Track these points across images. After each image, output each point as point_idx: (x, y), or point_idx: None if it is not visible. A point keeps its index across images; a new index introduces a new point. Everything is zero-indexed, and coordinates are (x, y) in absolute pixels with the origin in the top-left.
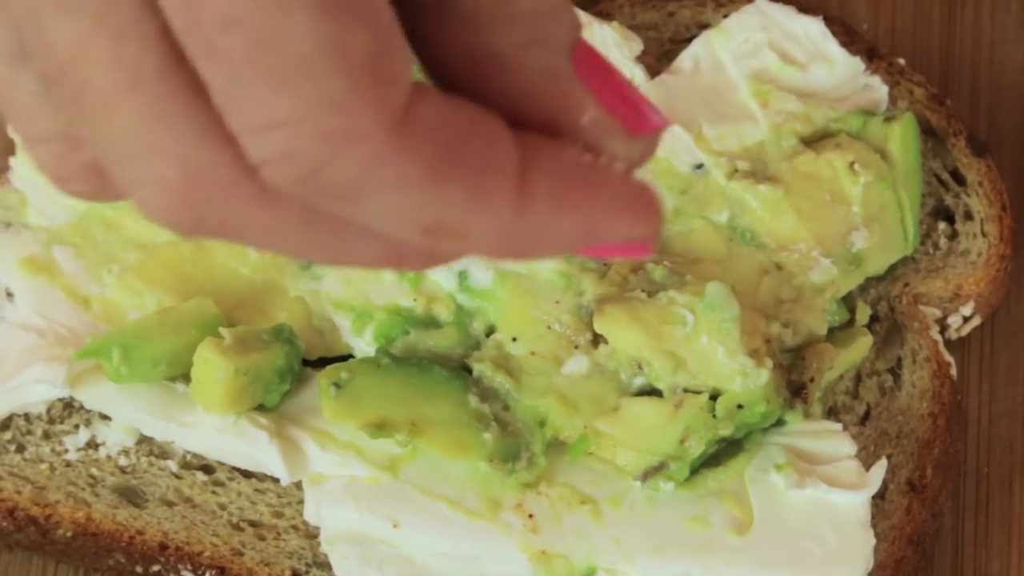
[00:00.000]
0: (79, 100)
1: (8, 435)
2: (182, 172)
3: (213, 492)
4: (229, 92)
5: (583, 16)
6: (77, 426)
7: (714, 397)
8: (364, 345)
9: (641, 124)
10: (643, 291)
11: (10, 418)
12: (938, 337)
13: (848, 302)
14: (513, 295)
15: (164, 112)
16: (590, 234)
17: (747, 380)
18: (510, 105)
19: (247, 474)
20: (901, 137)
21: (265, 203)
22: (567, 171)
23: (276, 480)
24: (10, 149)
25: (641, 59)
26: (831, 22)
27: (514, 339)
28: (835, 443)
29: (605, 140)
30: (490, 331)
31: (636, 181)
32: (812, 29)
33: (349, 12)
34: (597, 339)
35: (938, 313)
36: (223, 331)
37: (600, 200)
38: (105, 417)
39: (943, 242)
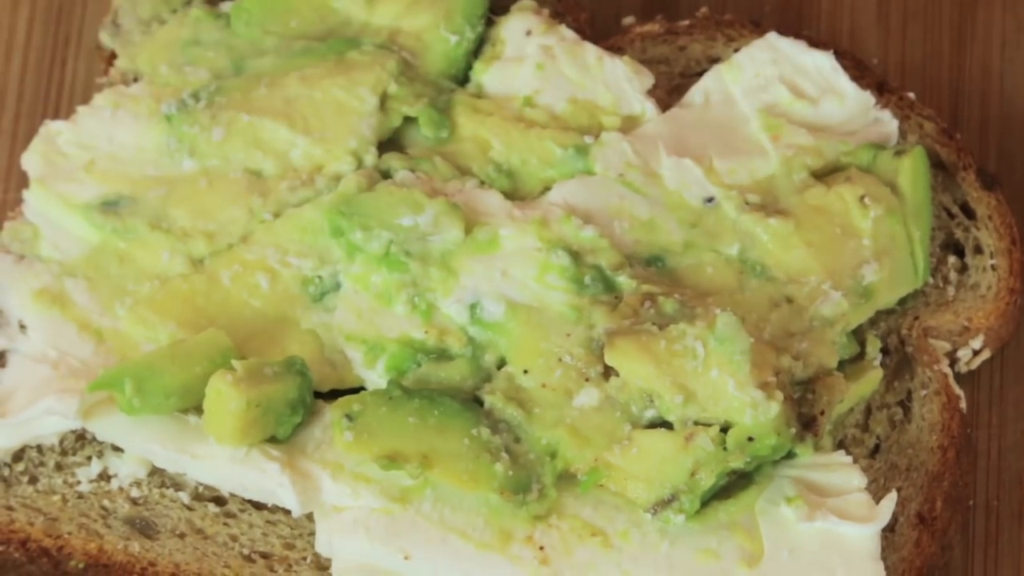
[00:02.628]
0: None
1: (21, 466)
2: None
3: (225, 523)
4: None
5: (594, 49)
6: (89, 458)
7: (725, 430)
8: (376, 377)
9: None
10: (654, 324)
11: (23, 450)
12: (948, 370)
13: (858, 335)
14: (524, 328)
15: None
16: None
17: (758, 413)
18: None
19: (259, 506)
20: (911, 171)
21: None
22: None
23: (288, 512)
24: (23, 182)
25: (652, 93)
26: (841, 57)
27: (525, 371)
28: (845, 476)
29: None
30: (501, 364)
31: None
32: (823, 64)
33: None
34: (608, 372)
35: (948, 346)
36: (235, 363)
37: None
38: (117, 449)
39: (953, 276)
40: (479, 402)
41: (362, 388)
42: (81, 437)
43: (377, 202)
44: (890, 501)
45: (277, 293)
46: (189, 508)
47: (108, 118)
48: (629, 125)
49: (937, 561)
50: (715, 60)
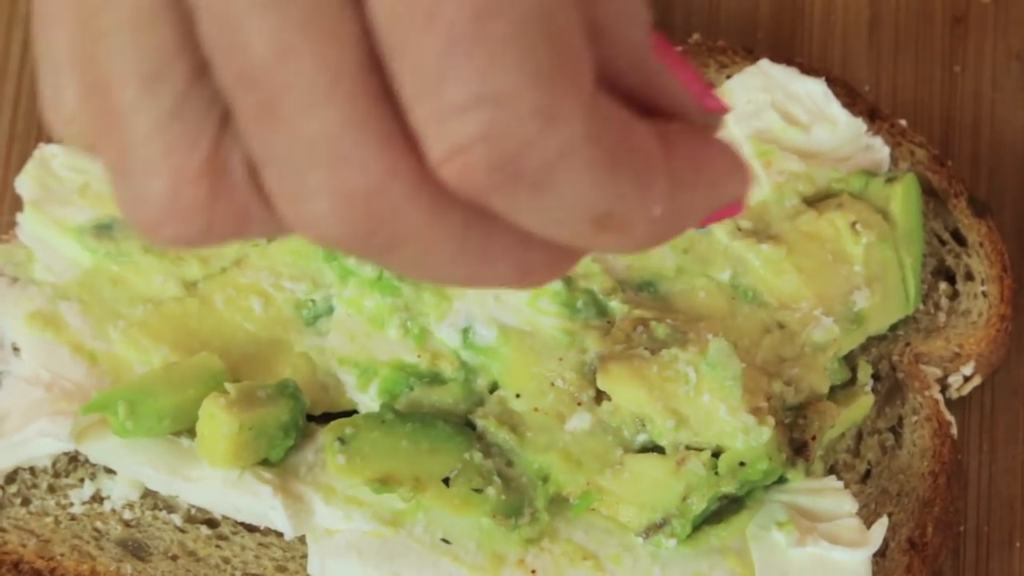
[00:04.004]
0: (274, 105)
1: (14, 488)
2: (366, 180)
3: (217, 546)
4: (437, 68)
5: None
6: (82, 480)
7: (716, 454)
8: (368, 401)
9: (711, 102)
10: (646, 349)
11: (16, 471)
12: (939, 396)
13: (849, 361)
14: (516, 352)
15: (356, 117)
16: (715, 202)
17: (749, 438)
18: (618, 85)
19: (251, 528)
20: (903, 197)
21: (435, 212)
22: (691, 147)
23: (280, 534)
24: (17, 205)
25: None
26: (833, 83)
27: (517, 395)
28: (836, 501)
29: (689, 116)
30: (493, 387)
31: (731, 146)
32: (814, 90)
33: None
34: (600, 396)
35: (939, 372)
36: (228, 386)
37: (717, 170)
38: (110, 471)
39: (944, 302)
40: (471, 426)
41: (355, 411)
42: (74, 459)
43: None
44: (881, 526)
45: (270, 316)
46: (181, 530)
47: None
48: None
49: None
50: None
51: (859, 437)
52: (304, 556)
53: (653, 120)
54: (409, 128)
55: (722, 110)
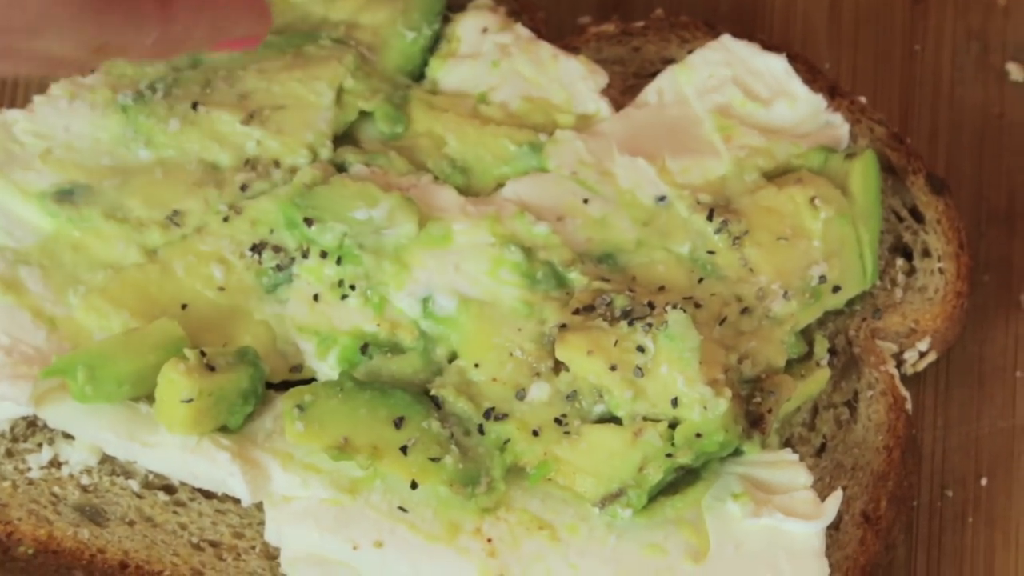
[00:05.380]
0: None
1: None
2: None
3: (174, 512)
4: None
5: (549, 48)
6: (40, 444)
7: (673, 426)
8: (327, 369)
9: None
10: (604, 320)
11: None
12: (894, 372)
13: (806, 335)
14: (476, 322)
15: None
16: (219, 33)
17: (706, 410)
18: None
19: (208, 495)
20: (861, 174)
21: None
22: None
23: (237, 501)
24: None
25: (606, 92)
26: (794, 60)
27: (476, 365)
28: (791, 474)
29: None
30: (453, 357)
31: None
32: (775, 66)
33: None
34: (558, 366)
35: (895, 348)
36: (187, 352)
37: (224, 7)
38: (68, 436)
39: (901, 278)
40: (430, 395)
41: (313, 379)
42: (32, 424)
43: (332, 195)
44: (835, 499)
45: (231, 284)
46: (139, 496)
47: (64, 108)
48: (583, 124)
49: (881, 560)
50: (669, 61)
51: (815, 411)
52: (261, 523)
53: None
54: None
55: None
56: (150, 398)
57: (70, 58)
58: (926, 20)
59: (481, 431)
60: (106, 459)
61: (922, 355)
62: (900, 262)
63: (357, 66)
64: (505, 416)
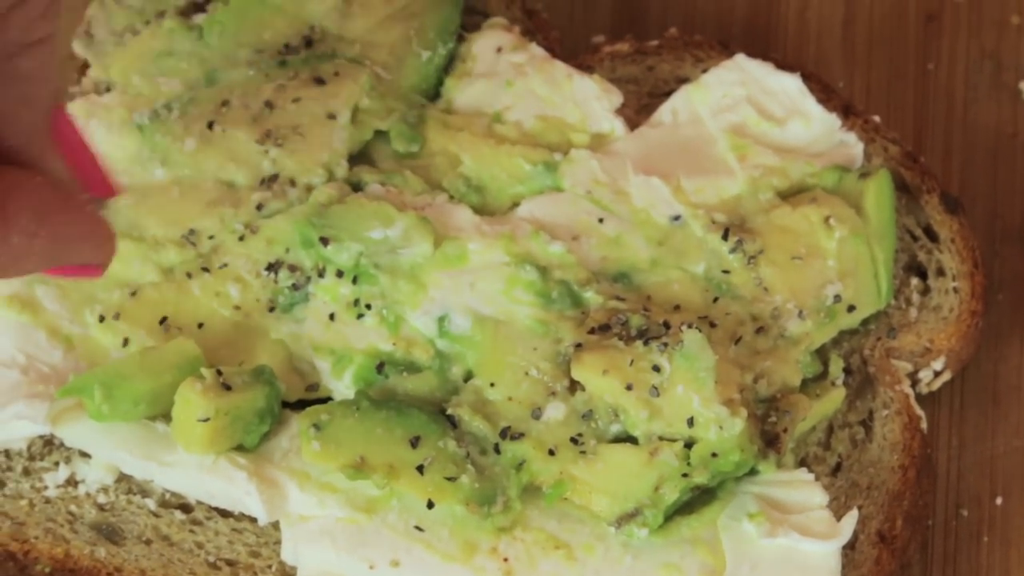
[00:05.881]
0: None
1: None
2: None
3: (191, 531)
4: None
5: (564, 68)
6: (57, 463)
7: (689, 445)
8: (343, 388)
9: (96, 187)
10: (620, 339)
11: None
12: (909, 391)
13: (821, 355)
14: (491, 341)
15: None
16: (58, 257)
17: (722, 429)
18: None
19: (225, 513)
20: (876, 193)
21: None
22: (40, 204)
23: (254, 520)
24: None
25: (621, 112)
26: (808, 79)
27: (492, 384)
28: (807, 493)
29: (70, 188)
30: (468, 376)
31: (96, 217)
32: (790, 85)
33: None
34: (574, 385)
35: (909, 367)
36: (204, 371)
37: (66, 229)
38: (85, 455)
39: (916, 297)
40: (446, 414)
41: (330, 399)
42: (49, 443)
43: (348, 214)
44: (851, 519)
45: (247, 303)
46: (156, 515)
47: (81, 127)
48: (598, 143)
49: None
50: (683, 80)
51: (830, 430)
52: (277, 542)
53: (4, 169)
54: None
55: (107, 194)
56: (167, 417)
57: None
58: (939, 39)
59: (497, 450)
60: (123, 478)
61: (937, 374)
62: (915, 281)
63: (372, 85)
64: (521, 435)
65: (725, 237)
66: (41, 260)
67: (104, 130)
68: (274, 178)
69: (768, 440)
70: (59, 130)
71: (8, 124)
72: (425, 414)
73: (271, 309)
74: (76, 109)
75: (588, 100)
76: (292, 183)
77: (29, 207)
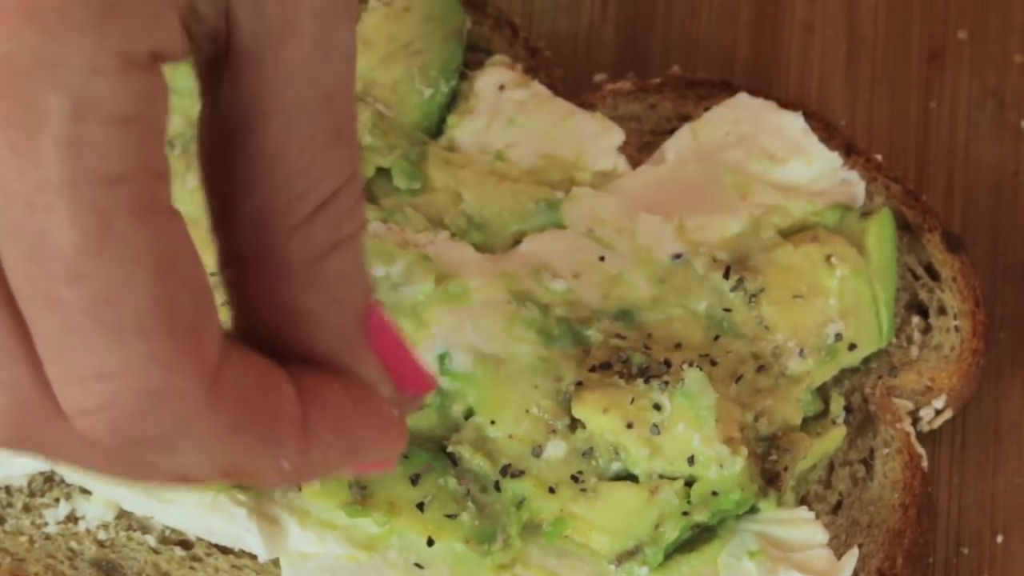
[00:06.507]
0: None
1: None
2: (9, 400)
3: (191, 567)
4: (59, 341)
5: (566, 105)
6: (57, 500)
7: (689, 483)
8: None
9: (411, 384)
10: (621, 377)
11: None
12: (910, 429)
13: (822, 393)
14: (493, 379)
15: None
16: (356, 460)
17: (722, 467)
18: (303, 350)
19: (225, 550)
20: (877, 232)
21: (78, 438)
22: (339, 410)
23: (254, 557)
24: None
25: (623, 149)
26: (810, 117)
27: (493, 422)
28: (807, 531)
29: (379, 389)
30: (469, 414)
31: (392, 417)
32: (792, 124)
33: (177, 277)
34: (575, 423)
35: (910, 406)
36: None
37: (363, 434)
38: (85, 491)
39: (917, 336)
40: (446, 452)
41: None
42: (49, 479)
43: None
44: (851, 557)
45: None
46: (156, 551)
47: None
48: (600, 181)
49: None
50: (685, 118)
51: (831, 468)
52: None
53: (306, 372)
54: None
55: (423, 390)
56: None
57: (195, 477)
58: (942, 77)
59: (498, 488)
60: (123, 514)
61: (938, 413)
62: (916, 320)
63: (374, 123)
64: (522, 473)
65: (726, 275)
66: (337, 466)
67: None
68: None
69: (769, 478)
70: (372, 329)
71: (319, 329)
72: (425, 451)
73: None
74: None
75: (590, 138)
76: None
77: (329, 418)
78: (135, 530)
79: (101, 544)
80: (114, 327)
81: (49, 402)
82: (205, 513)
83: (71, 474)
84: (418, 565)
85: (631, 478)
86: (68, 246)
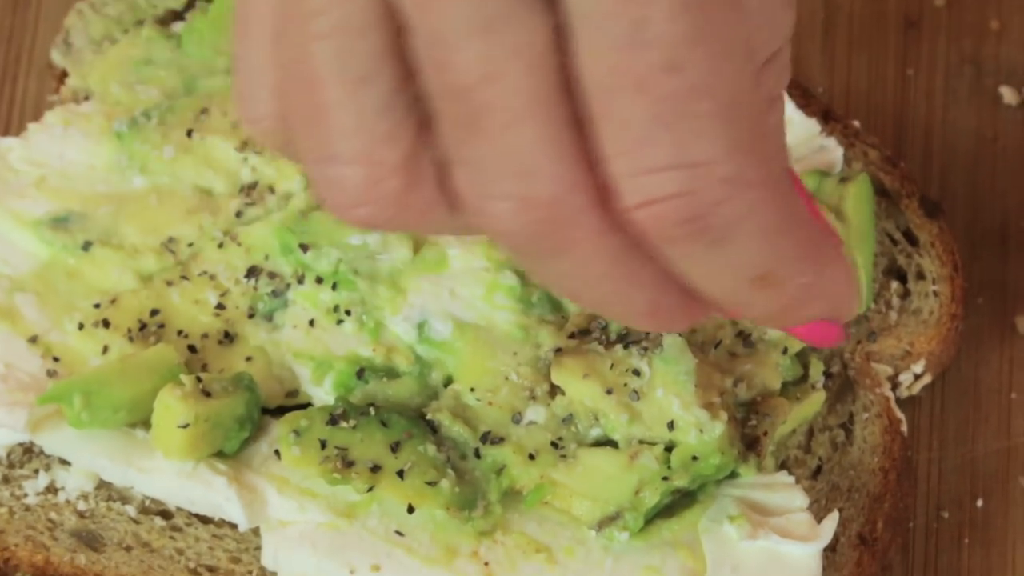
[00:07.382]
0: (477, 119)
1: None
2: (550, 190)
3: (171, 537)
4: (642, 131)
5: None
6: (37, 471)
7: (669, 449)
8: (323, 394)
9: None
10: (600, 343)
11: None
12: (890, 394)
13: (802, 358)
14: (472, 346)
15: (548, 137)
16: (829, 303)
17: (702, 433)
18: None
19: (205, 520)
20: (855, 198)
21: (601, 231)
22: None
23: (234, 526)
24: None
25: None
26: (788, 85)
27: (472, 389)
28: (787, 496)
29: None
30: (448, 381)
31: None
32: None
33: (754, 70)
34: (554, 390)
35: (890, 371)
36: (183, 378)
37: (840, 276)
38: (65, 462)
39: (895, 301)
40: (426, 419)
41: (309, 404)
42: (29, 450)
43: (326, 221)
44: (832, 521)
45: (226, 310)
46: (136, 521)
47: (59, 135)
48: None
49: None
50: None
51: (810, 433)
52: (258, 548)
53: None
54: (592, 155)
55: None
56: (147, 424)
57: (717, 291)
58: (919, 44)
59: (477, 455)
60: (102, 485)
61: (917, 377)
62: (895, 285)
63: None
64: (501, 440)
65: None
66: (820, 304)
67: (82, 138)
68: (253, 185)
69: (748, 443)
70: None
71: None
72: (405, 419)
73: (251, 316)
74: (54, 117)
75: None
76: (271, 190)
77: (840, 247)
78: (115, 500)
79: (81, 515)
80: (706, 117)
81: (584, 194)
82: (185, 482)
83: (50, 444)
84: (399, 532)
85: (611, 444)
86: (671, 34)
